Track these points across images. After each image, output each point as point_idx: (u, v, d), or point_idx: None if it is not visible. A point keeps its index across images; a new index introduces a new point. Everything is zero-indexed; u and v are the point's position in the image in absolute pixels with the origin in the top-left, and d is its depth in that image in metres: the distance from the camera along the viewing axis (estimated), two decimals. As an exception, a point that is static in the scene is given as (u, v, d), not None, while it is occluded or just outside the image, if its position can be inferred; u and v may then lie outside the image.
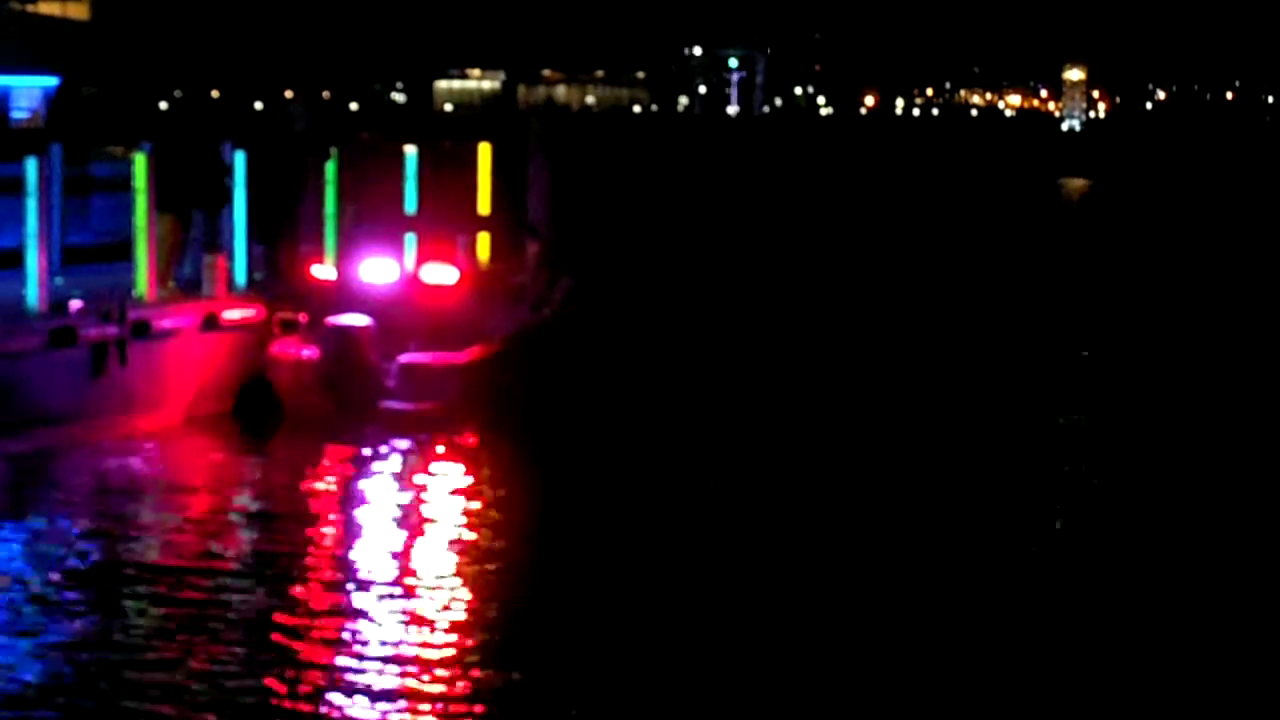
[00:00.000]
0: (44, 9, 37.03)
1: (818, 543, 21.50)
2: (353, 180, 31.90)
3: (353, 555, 20.61)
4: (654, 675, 16.62)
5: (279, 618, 18.02)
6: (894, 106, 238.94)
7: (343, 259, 30.73)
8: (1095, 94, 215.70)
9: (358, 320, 28.31)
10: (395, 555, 20.56)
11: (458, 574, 19.81)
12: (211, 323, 27.98)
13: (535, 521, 22.43)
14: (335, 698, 15.76)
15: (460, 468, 25.50)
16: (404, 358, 28.23)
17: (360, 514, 22.71)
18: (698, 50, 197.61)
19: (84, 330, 25.97)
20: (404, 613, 18.23)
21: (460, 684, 16.15)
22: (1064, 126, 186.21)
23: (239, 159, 29.90)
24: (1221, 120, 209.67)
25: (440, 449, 26.31)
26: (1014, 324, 43.28)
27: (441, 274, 30.64)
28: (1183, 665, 17.20)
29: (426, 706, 15.62)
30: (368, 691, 15.90)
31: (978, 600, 19.29)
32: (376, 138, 36.67)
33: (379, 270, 30.31)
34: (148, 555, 20.46)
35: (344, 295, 29.59)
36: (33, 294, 26.35)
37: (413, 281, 30.80)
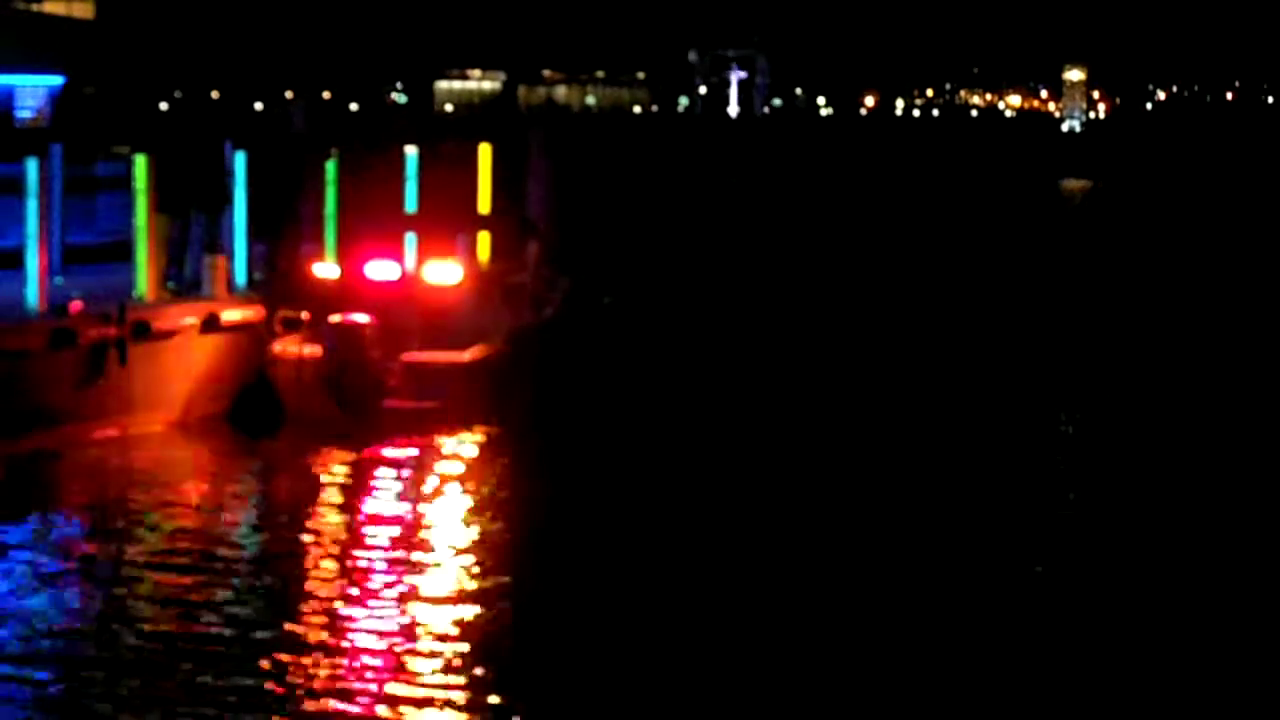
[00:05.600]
0: (49, 8, 36.92)
1: (816, 546, 21.45)
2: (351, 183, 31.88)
3: (355, 554, 20.53)
4: (656, 679, 16.57)
5: (278, 619, 17.96)
6: (894, 106, 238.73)
7: (344, 257, 30.68)
8: (1095, 94, 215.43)
9: (360, 319, 28.24)
10: (398, 554, 20.49)
11: (461, 574, 19.75)
12: (211, 323, 27.91)
13: (539, 521, 22.37)
14: (335, 700, 15.71)
15: (463, 466, 25.44)
16: (407, 356, 28.18)
17: (363, 513, 22.64)
18: (697, 51, 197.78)
19: (84, 331, 25.91)
20: (406, 614, 18.17)
21: (461, 686, 16.10)
22: (1064, 127, 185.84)
23: (239, 159, 29.85)
24: (1221, 120, 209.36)
25: (443, 448, 26.26)
26: (1013, 327, 43.21)
27: (444, 273, 30.58)
28: (1180, 668, 17.16)
29: (427, 709, 15.57)
30: (368, 694, 15.85)
31: (975, 600, 19.24)
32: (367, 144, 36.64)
33: (381, 269, 30.27)
34: (146, 556, 20.40)
35: (346, 294, 29.51)
36: (33, 294, 26.29)
37: (415, 280, 30.73)
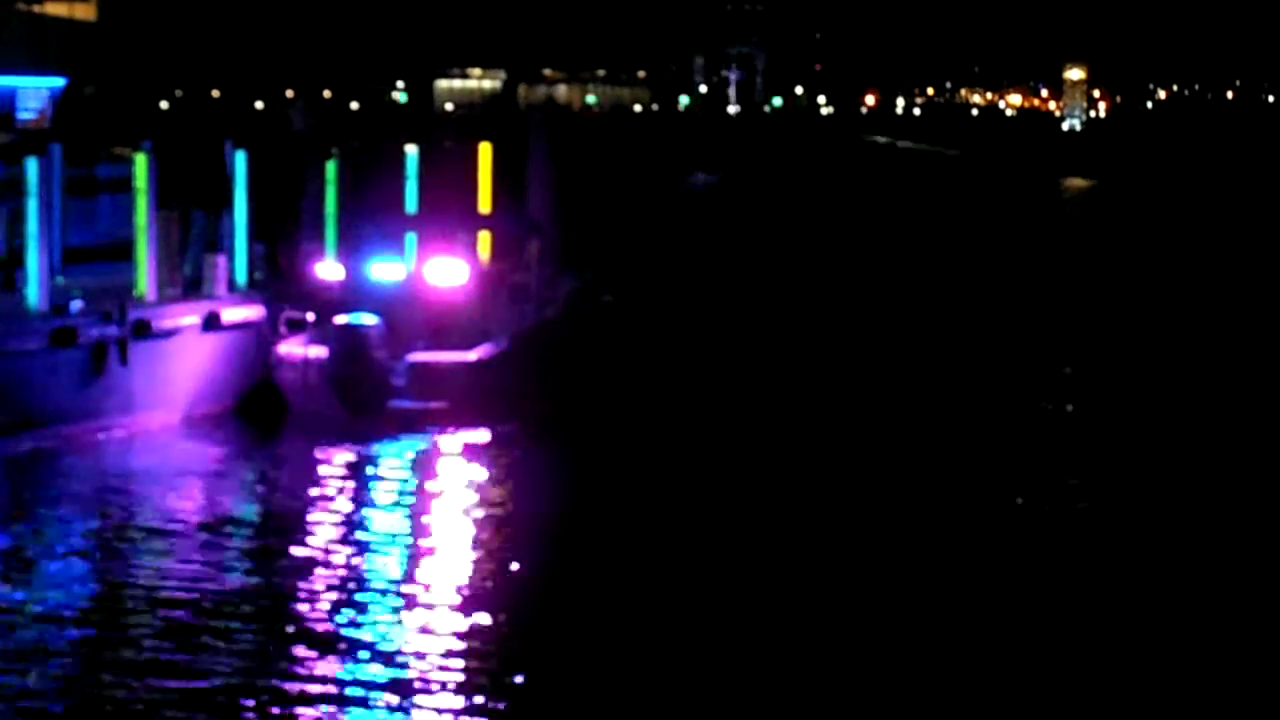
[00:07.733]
0: (51, 10, 36.89)
1: (817, 546, 21.41)
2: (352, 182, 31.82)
3: (360, 554, 20.47)
4: (657, 678, 16.51)
5: (281, 620, 17.90)
6: (894, 106, 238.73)
7: (347, 258, 30.61)
8: (1095, 94, 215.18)
9: (365, 319, 28.16)
10: (403, 554, 20.44)
11: (466, 572, 19.70)
12: (212, 322, 27.86)
13: (544, 519, 22.30)
14: (337, 698, 15.65)
15: (469, 466, 25.39)
16: (412, 356, 28.12)
17: (368, 512, 22.58)
18: (697, 49, 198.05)
19: (85, 330, 25.85)
20: (410, 613, 18.11)
21: (464, 684, 16.04)
22: (1064, 126, 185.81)
23: (239, 159, 29.79)
24: (1221, 120, 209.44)
25: (449, 447, 26.20)
26: (1012, 326, 43.17)
27: (448, 273, 30.51)
28: (1180, 667, 17.11)
29: (430, 710, 15.50)
30: (370, 691, 15.79)
31: (976, 600, 19.19)
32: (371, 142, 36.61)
33: (386, 269, 30.22)
34: (148, 556, 20.33)
35: (351, 294, 29.44)
36: (34, 294, 26.23)
37: (419, 281, 30.66)
